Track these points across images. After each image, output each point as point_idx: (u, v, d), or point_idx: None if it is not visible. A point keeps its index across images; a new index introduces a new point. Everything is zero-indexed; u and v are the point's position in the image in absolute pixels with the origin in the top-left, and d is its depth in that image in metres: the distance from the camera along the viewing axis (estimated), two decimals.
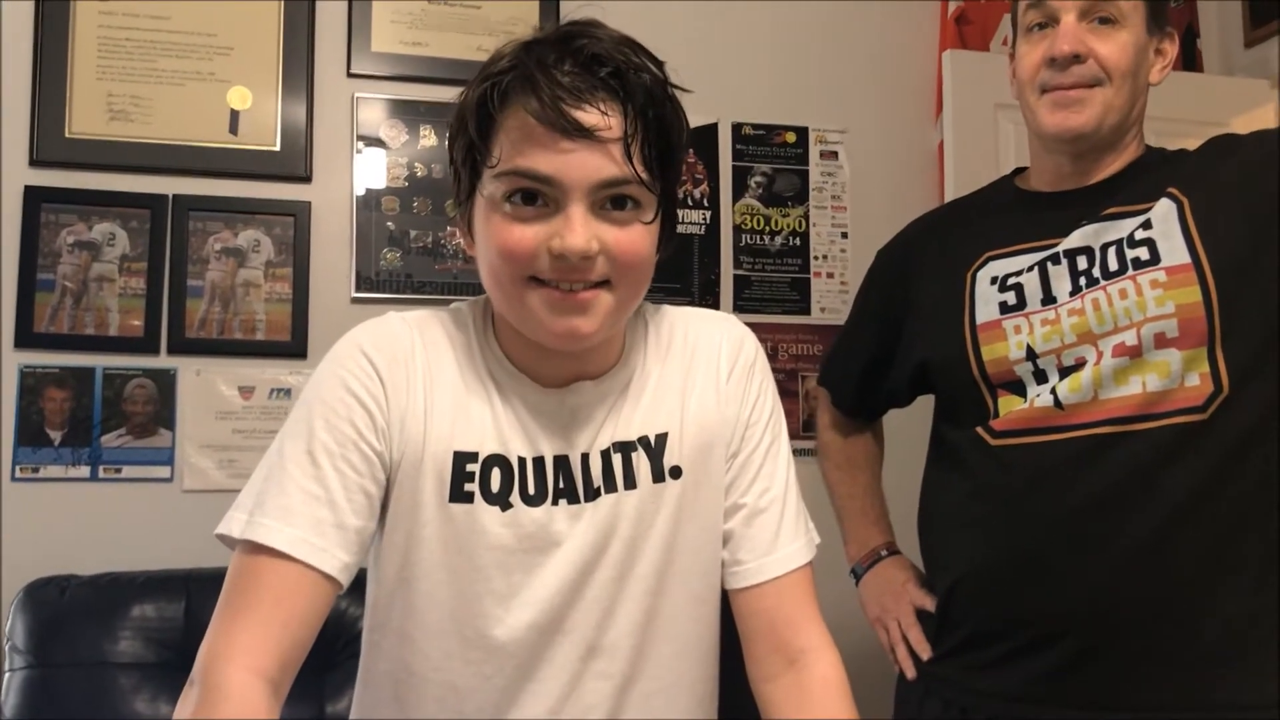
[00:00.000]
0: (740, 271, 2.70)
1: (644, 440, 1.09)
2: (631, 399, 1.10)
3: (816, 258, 2.75)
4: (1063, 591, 1.33)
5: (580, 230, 0.95)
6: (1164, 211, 1.37)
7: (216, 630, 0.95)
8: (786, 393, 2.68)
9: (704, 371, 1.13)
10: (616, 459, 1.07)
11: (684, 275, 2.66)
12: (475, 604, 1.04)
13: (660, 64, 1.00)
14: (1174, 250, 1.34)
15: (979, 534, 1.42)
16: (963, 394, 1.45)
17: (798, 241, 2.75)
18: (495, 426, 1.05)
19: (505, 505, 1.04)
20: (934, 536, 1.54)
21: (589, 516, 1.06)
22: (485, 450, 1.04)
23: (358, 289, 2.45)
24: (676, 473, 1.09)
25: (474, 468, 1.03)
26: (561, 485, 1.06)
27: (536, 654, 1.05)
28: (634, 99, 0.96)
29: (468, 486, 1.03)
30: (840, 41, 2.81)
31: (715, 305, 2.66)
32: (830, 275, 2.76)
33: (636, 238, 0.99)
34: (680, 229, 2.66)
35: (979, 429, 1.42)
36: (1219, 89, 2.83)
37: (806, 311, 2.73)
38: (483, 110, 0.99)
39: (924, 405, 1.62)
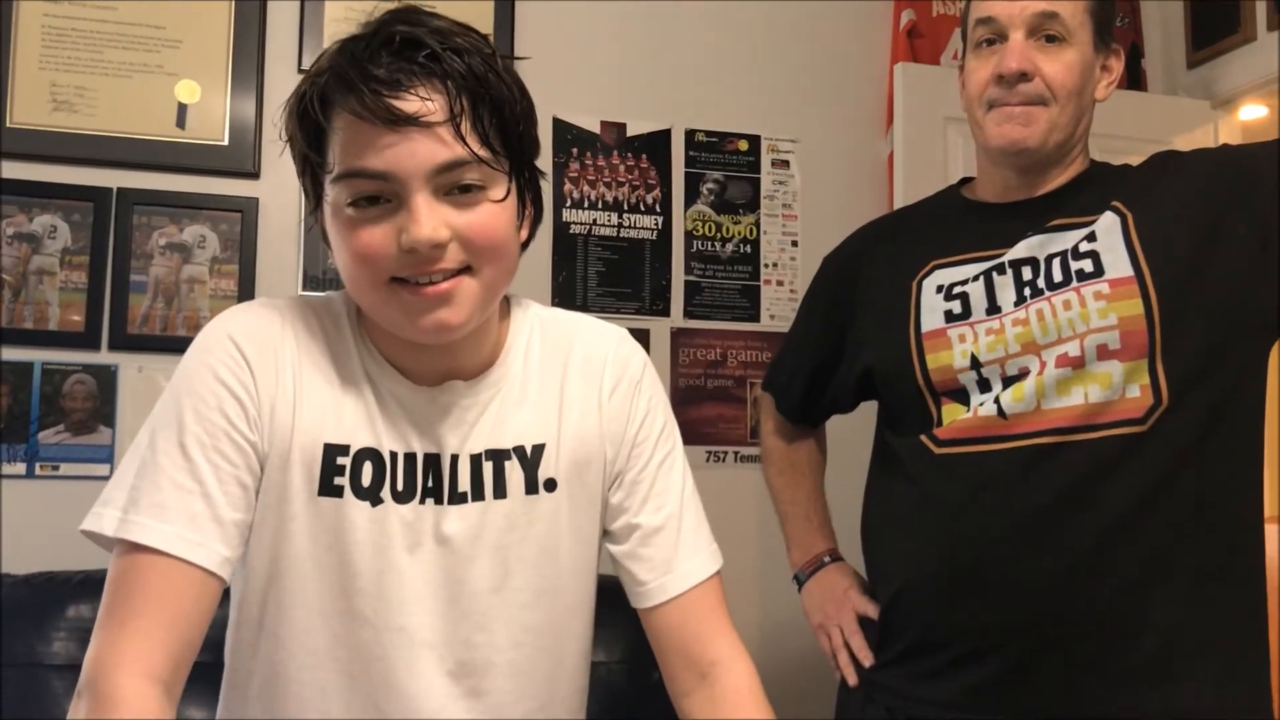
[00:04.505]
0: (691, 277, 2.71)
1: (519, 450, 1.07)
2: (510, 405, 1.08)
3: (767, 265, 2.77)
4: (1003, 602, 1.34)
5: (425, 219, 0.93)
6: (1108, 225, 1.39)
7: (101, 638, 0.94)
8: (734, 399, 2.69)
9: (586, 385, 1.12)
10: (488, 466, 1.05)
11: (636, 280, 2.67)
12: (343, 600, 1.02)
13: (485, 40, 0.99)
14: (1117, 263, 1.36)
15: (921, 543, 1.43)
16: (907, 402, 1.46)
17: (748, 249, 2.76)
18: (368, 420, 1.03)
19: (376, 500, 1.02)
20: (877, 544, 1.55)
21: (455, 520, 1.04)
22: (357, 443, 1.02)
23: (304, 287, 2.43)
24: (551, 485, 1.08)
25: (345, 461, 1.01)
26: (430, 484, 1.03)
27: (405, 663, 1.02)
28: (454, 79, 0.94)
29: (337, 480, 1.01)
30: (793, 52, 2.83)
31: (666, 310, 2.67)
32: (780, 283, 2.77)
33: (487, 218, 0.97)
34: (632, 234, 2.67)
35: (923, 437, 1.43)
36: (1162, 108, 2.89)
37: (756, 319, 2.74)
38: (307, 118, 0.97)
39: (868, 412, 1.63)
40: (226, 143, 2.41)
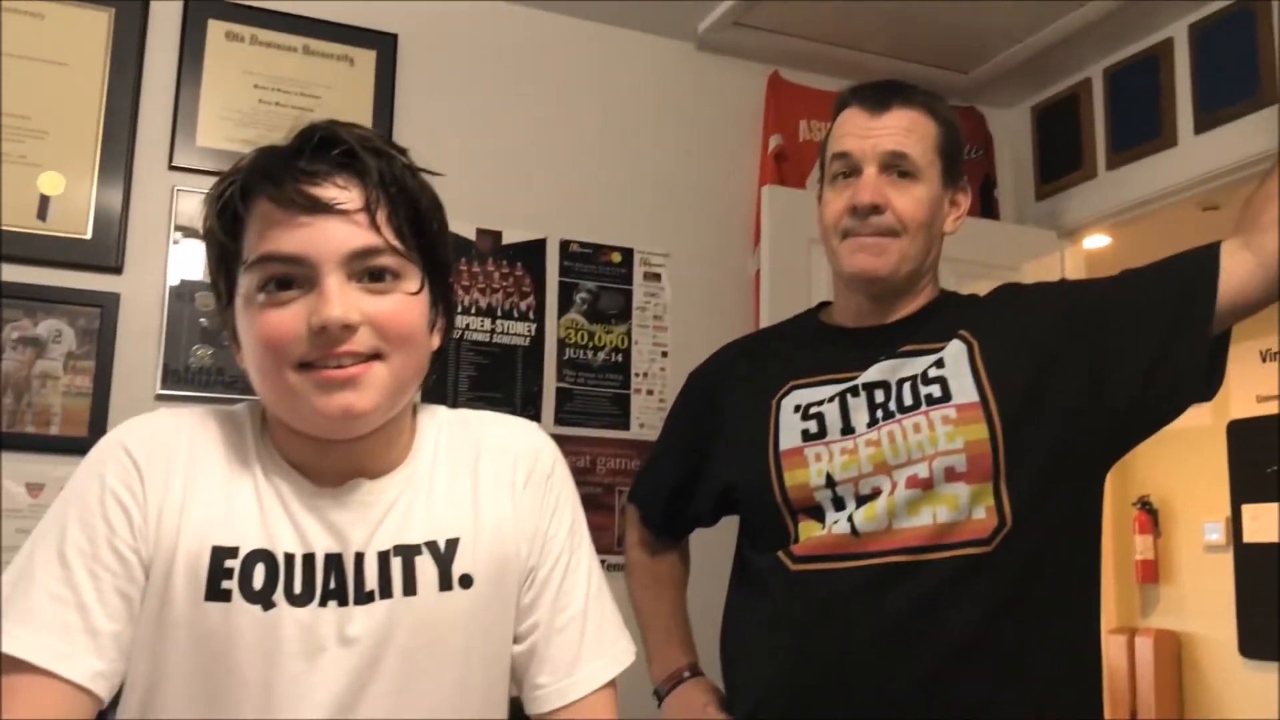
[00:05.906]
0: (563, 384, 2.73)
1: (431, 545, 1.02)
2: (420, 499, 1.04)
3: (637, 374, 2.81)
4: (855, 718, 1.36)
5: (336, 299, 0.93)
6: (955, 352, 1.46)
7: None
8: (603, 506, 2.69)
9: (499, 478, 1.09)
10: (396, 562, 1.00)
11: (507, 385, 2.67)
12: (226, 711, 0.95)
13: (400, 148, 1.02)
14: (963, 389, 1.42)
15: (776, 660, 1.44)
16: (765, 518, 1.49)
17: (620, 358, 2.80)
18: (262, 521, 0.98)
19: (268, 604, 0.96)
20: (734, 659, 1.56)
21: (361, 621, 0.98)
22: (248, 545, 0.97)
23: (164, 385, 2.36)
24: (467, 582, 1.03)
25: (234, 564, 0.96)
26: (332, 585, 0.98)
27: None
28: (370, 173, 0.97)
29: (225, 584, 0.95)
30: (668, 170, 2.92)
31: (537, 417, 2.67)
32: (650, 392, 2.81)
33: (400, 306, 0.97)
34: (505, 340, 2.68)
35: (780, 553, 1.45)
36: (1012, 236, 3.06)
37: (626, 426, 2.77)
38: (227, 211, 0.98)
39: (731, 525, 1.65)
40: (90, 236, 2.35)
